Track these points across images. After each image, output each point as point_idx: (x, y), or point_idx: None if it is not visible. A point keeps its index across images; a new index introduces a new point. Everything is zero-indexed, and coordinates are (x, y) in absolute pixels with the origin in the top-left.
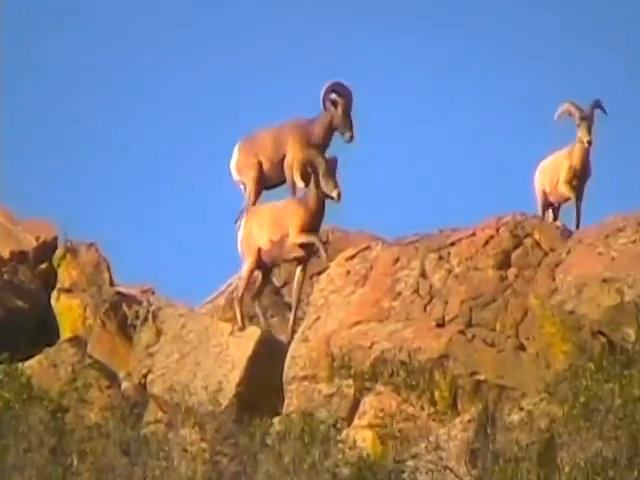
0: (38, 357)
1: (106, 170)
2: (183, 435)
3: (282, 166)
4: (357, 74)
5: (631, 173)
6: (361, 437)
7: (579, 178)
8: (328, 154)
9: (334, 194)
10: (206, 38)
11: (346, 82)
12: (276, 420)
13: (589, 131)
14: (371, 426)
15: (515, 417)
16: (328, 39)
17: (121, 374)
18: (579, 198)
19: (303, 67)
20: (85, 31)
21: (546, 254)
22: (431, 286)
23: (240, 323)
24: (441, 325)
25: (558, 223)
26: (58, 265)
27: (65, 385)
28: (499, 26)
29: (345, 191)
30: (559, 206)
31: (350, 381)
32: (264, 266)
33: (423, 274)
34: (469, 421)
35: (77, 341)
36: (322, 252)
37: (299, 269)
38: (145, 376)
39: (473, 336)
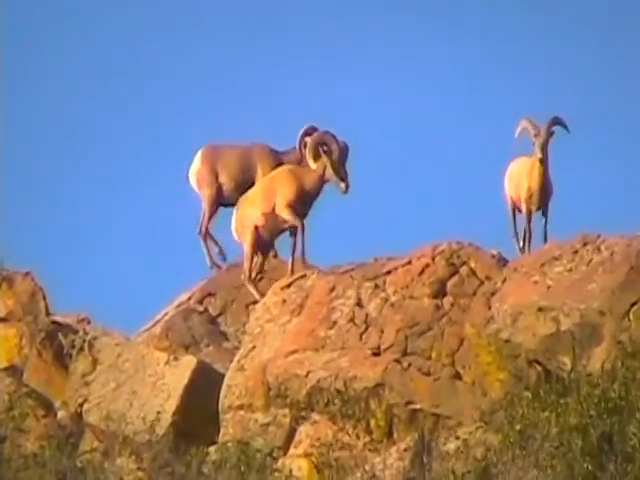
0: None
1: (42, 199)
2: (119, 464)
3: (244, 188)
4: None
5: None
6: (297, 466)
7: (540, 197)
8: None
9: (342, 185)
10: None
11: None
12: (212, 449)
13: (542, 149)
14: (307, 455)
15: (451, 446)
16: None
17: (57, 403)
18: (544, 215)
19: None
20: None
21: (482, 282)
22: (367, 315)
23: (257, 296)
24: (377, 354)
25: (494, 251)
26: None
27: (1, 414)
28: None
29: None
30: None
31: (286, 410)
32: (264, 243)
33: (359, 303)
34: (405, 450)
35: (13, 370)
36: (299, 241)
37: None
38: (81, 405)
39: (409, 365)
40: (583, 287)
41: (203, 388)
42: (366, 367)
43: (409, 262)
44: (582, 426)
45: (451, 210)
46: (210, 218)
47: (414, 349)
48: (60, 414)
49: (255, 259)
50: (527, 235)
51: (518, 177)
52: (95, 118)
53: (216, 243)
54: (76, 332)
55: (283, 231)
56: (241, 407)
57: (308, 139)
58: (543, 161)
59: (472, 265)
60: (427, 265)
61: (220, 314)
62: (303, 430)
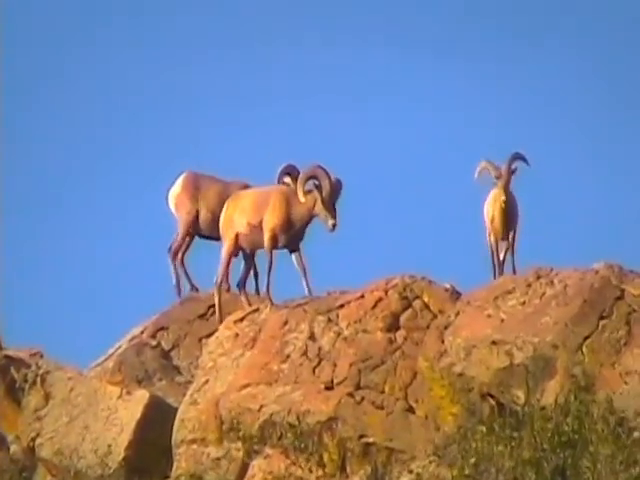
0: None
1: None
2: None
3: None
4: None
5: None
6: None
7: (503, 231)
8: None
9: (329, 224)
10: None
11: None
12: None
13: (505, 191)
14: None
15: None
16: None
17: (10, 437)
18: (510, 246)
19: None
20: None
21: (435, 316)
22: (320, 349)
23: (218, 314)
24: (330, 388)
25: (447, 285)
26: None
27: None
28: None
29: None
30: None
31: (239, 444)
32: (244, 251)
33: (312, 337)
34: None
35: None
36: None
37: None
38: (34, 439)
39: (362, 398)
40: (536, 320)
41: (156, 422)
42: (319, 401)
43: (362, 296)
44: (535, 460)
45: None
46: (183, 239)
47: (367, 383)
48: (13, 448)
49: (230, 266)
50: (497, 264)
51: (487, 208)
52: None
53: (187, 276)
54: (29, 366)
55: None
56: (194, 441)
57: (300, 173)
58: (507, 203)
59: (425, 299)
60: (380, 299)
61: (173, 348)
62: (256, 464)
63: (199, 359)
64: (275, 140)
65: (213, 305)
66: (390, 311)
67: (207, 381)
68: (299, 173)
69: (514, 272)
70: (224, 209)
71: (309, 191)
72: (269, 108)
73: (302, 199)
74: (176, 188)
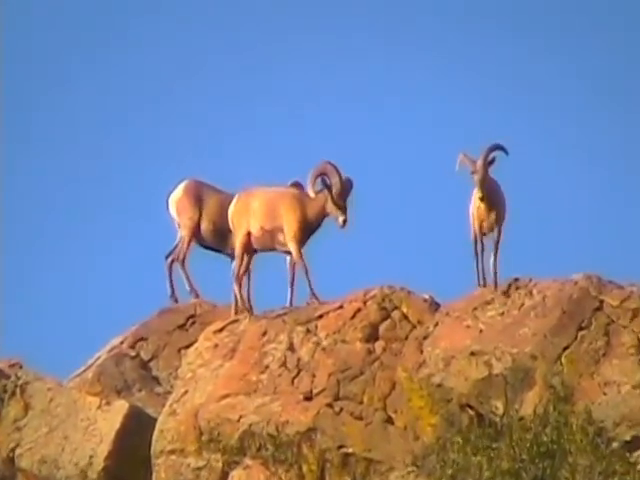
0: None
1: None
2: None
3: (222, 234)
4: None
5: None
6: None
7: (483, 225)
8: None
9: (340, 220)
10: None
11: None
12: None
13: (481, 186)
14: None
15: None
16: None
17: None
18: (495, 247)
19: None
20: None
21: (414, 327)
22: (299, 359)
23: (241, 304)
24: (309, 398)
25: (426, 296)
26: None
27: None
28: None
29: (211, 265)
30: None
31: (218, 455)
32: (253, 249)
33: (291, 347)
34: None
35: None
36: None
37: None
38: (13, 450)
39: (341, 409)
40: (515, 331)
41: (135, 433)
42: (298, 412)
43: (341, 306)
44: (514, 470)
45: (384, 254)
46: (189, 244)
47: (346, 393)
48: None
49: (245, 259)
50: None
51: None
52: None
53: (187, 278)
54: (8, 377)
55: (273, 250)
56: (173, 452)
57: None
58: (484, 199)
59: (404, 309)
60: (359, 309)
61: (152, 359)
62: (235, 475)
63: (178, 370)
64: (274, 142)
65: (192, 316)
66: (369, 322)
67: (186, 392)
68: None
69: (495, 279)
70: (234, 202)
71: (320, 190)
72: (269, 110)
73: (312, 193)
74: (177, 193)
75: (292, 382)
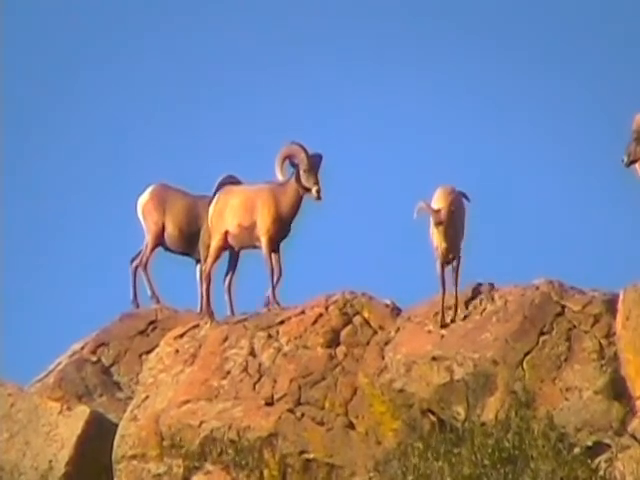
0: None
1: None
2: None
3: (189, 238)
4: None
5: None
6: None
7: (446, 254)
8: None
9: (314, 190)
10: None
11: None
12: None
13: (445, 237)
14: None
15: None
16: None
17: None
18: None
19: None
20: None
21: (375, 332)
22: (260, 364)
23: (205, 305)
24: (270, 404)
25: (387, 301)
26: None
27: None
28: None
29: (172, 271)
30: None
31: (179, 460)
32: (233, 248)
33: (252, 352)
34: None
35: None
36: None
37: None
38: None
39: (302, 414)
40: (477, 336)
41: (96, 438)
42: (259, 417)
43: (302, 312)
44: (476, 476)
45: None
46: (153, 250)
47: (307, 399)
48: None
49: (218, 260)
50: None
51: (432, 232)
52: None
53: (149, 283)
54: None
55: (253, 247)
56: (134, 457)
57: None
58: (449, 249)
59: (365, 315)
60: (320, 315)
61: (113, 364)
62: None
63: (139, 375)
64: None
65: (153, 321)
66: (330, 327)
67: (147, 397)
68: (238, 182)
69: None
70: (214, 202)
71: (292, 175)
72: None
73: (280, 177)
74: (144, 197)
75: (253, 387)
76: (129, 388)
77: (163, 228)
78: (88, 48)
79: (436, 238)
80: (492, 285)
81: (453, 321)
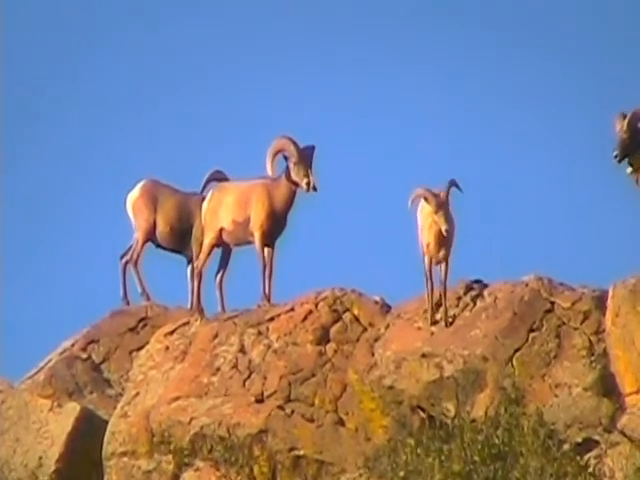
0: None
1: None
2: None
3: (180, 235)
4: None
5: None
6: None
7: (440, 255)
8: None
9: (303, 183)
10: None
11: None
12: None
13: (446, 219)
14: None
15: None
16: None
17: None
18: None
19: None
20: None
21: (365, 329)
22: (250, 361)
23: (195, 302)
24: (260, 400)
25: (377, 298)
26: None
27: None
28: None
29: (163, 267)
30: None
31: (169, 457)
32: (226, 245)
33: (242, 349)
34: None
35: None
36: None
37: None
38: None
39: (292, 411)
40: (466, 333)
41: (87, 435)
42: (249, 414)
43: (292, 309)
44: (466, 472)
45: (334, 256)
46: (142, 247)
47: (297, 395)
48: None
49: (210, 256)
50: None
51: (422, 228)
52: None
53: (140, 280)
54: None
55: (247, 243)
56: (124, 454)
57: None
58: (448, 230)
59: (355, 311)
60: (310, 312)
61: (103, 361)
62: (187, 477)
63: (130, 372)
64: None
65: (143, 318)
66: (320, 324)
67: (137, 394)
68: (226, 179)
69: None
70: (208, 199)
71: (281, 175)
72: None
73: (270, 172)
74: (134, 194)
75: (243, 384)
76: (119, 385)
77: (154, 225)
78: (76, 45)
79: (428, 231)
80: (481, 282)
81: (449, 323)
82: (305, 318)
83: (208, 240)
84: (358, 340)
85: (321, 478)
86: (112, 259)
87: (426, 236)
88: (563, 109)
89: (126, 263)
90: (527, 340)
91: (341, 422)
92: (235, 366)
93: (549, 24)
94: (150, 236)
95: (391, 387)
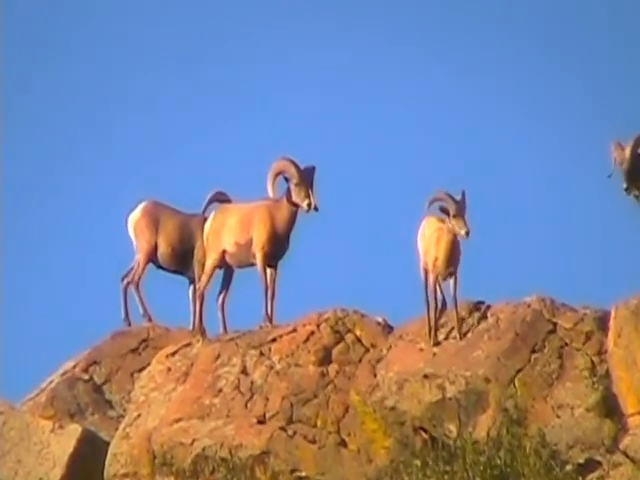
0: None
1: None
2: None
3: (182, 256)
4: None
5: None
6: None
7: (448, 270)
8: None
9: (304, 204)
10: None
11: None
12: None
13: (465, 223)
14: None
15: None
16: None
17: None
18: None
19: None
20: None
21: (367, 350)
22: (252, 382)
23: (197, 323)
24: (262, 422)
25: (379, 319)
26: None
27: None
28: None
29: (164, 289)
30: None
31: (171, 478)
32: (228, 266)
33: (244, 370)
34: None
35: None
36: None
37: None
38: None
39: (294, 432)
40: (468, 354)
41: (88, 456)
42: (251, 435)
43: (294, 329)
44: None
45: (333, 276)
46: (144, 268)
47: (299, 417)
48: None
49: (212, 278)
50: (433, 304)
51: (426, 245)
52: None
53: (141, 301)
54: None
55: (250, 265)
56: (126, 475)
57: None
58: (469, 233)
59: (357, 332)
60: (312, 332)
61: (105, 382)
62: None
63: (131, 393)
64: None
65: (145, 339)
66: (322, 345)
67: (139, 415)
68: (228, 200)
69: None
70: (210, 220)
71: (282, 196)
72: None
73: (271, 193)
74: (136, 214)
75: (245, 405)
76: (121, 406)
77: (155, 246)
78: (69, 46)
79: (436, 246)
80: (484, 302)
81: (463, 335)
82: (307, 339)
83: (210, 262)
84: (360, 361)
85: None
86: (114, 280)
87: (434, 252)
88: (574, 122)
89: (127, 284)
90: (529, 361)
91: (343, 443)
92: (237, 387)
93: (558, 24)
94: (151, 257)
95: (393, 408)
